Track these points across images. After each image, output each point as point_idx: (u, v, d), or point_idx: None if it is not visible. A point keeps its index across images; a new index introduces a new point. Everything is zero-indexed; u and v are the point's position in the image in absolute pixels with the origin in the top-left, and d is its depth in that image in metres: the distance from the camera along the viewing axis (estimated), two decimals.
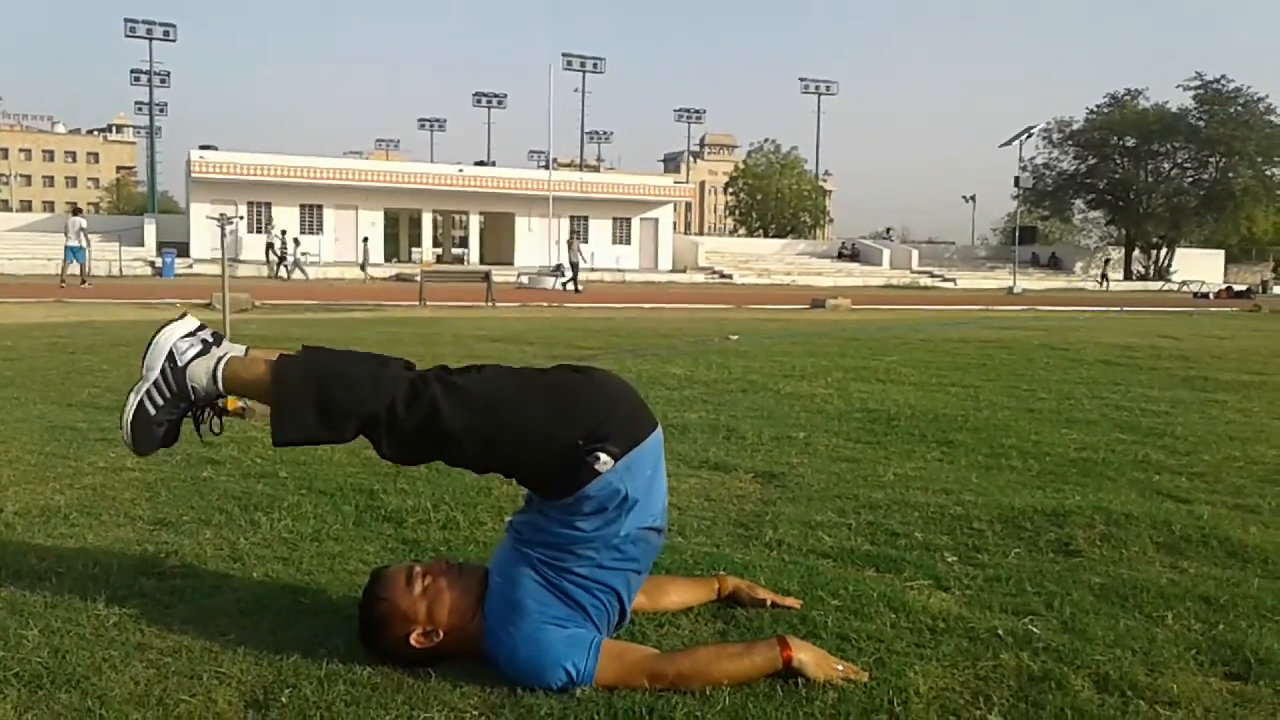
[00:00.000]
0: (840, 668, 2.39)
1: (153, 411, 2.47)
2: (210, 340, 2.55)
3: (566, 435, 2.41)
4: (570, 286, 32.71)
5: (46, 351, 9.81)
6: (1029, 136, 56.61)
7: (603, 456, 2.38)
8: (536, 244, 49.93)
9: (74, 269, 27.66)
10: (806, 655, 2.39)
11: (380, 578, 2.52)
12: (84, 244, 27.59)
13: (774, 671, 2.37)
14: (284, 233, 41.12)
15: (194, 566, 3.20)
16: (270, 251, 39.96)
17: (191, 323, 2.57)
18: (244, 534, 3.56)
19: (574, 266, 33.51)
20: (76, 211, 30.18)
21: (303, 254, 40.68)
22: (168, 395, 2.47)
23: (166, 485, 4.25)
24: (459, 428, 2.41)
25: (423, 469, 4.58)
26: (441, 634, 2.42)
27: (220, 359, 2.51)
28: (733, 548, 3.52)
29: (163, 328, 2.53)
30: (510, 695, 2.29)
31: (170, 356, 2.49)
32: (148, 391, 2.46)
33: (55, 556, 3.23)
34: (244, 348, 2.59)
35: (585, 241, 36.86)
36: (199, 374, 2.49)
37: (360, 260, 42.11)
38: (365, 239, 43.92)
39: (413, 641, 2.41)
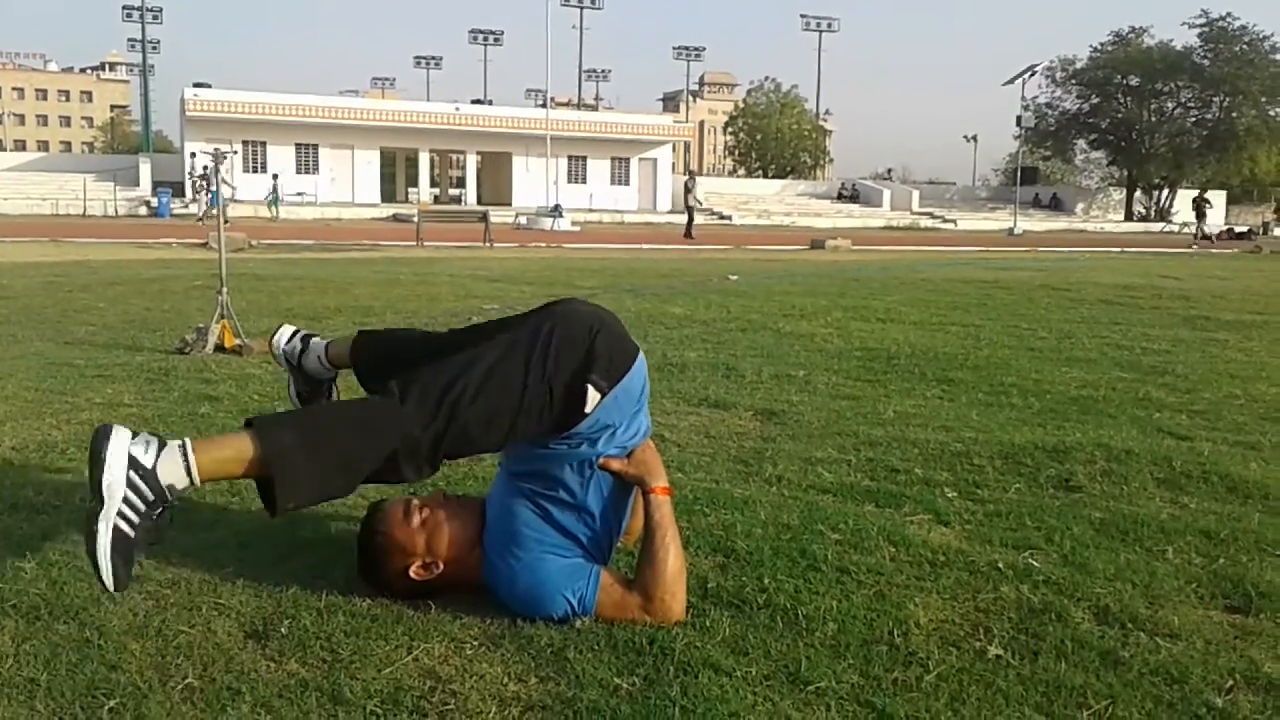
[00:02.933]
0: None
1: (133, 533, 2.09)
2: (156, 439, 2.19)
3: (561, 381, 2.37)
4: (687, 230, 30.36)
5: (43, 290, 9.77)
6: (1032, 75, 55.81)
7: (591, 391, 2.36)
8: (534, 184, 49.52)
9: (212, 209, 29.62)
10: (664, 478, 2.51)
11: (378, 511, 2.50)
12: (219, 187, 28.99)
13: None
14: (205, 168, 40.13)
15: (192, 500, 3.18)
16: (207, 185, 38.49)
17: (126, 431, 2.16)
18: None
19: (690, 210, 31.24)
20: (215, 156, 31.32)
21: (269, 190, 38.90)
22: (145, 505, 2.11)
23: (164, 421, 4.23)
24: (471, 419, 2.31)
25: None
26: (440, 565, 2.41)
27: (185, 451, 2.16)
28: (733, 483, 3.51)
29: (99, 442, 2.11)
30: (510, 626, 2.29)
31: (133, 463, 2.11)
32: (119, 512, 2.07)
33: (52, 490, 3.22)
34: (184, 441, 2.21)
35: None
36: (171, 473, 2.14)
37: (269, 197, 38.32)
38: (275, 175, 41.37)
39: (412, 573, 2.40)
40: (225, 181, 32.62)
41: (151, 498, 2.11)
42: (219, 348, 5.96)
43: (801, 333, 7.41)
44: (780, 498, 3.32)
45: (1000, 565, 2.72)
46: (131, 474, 2.10)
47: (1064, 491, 3.50)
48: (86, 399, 4.63)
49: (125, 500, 2.08)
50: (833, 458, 3.85)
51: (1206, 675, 2.12)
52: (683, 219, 32.68)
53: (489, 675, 2.08)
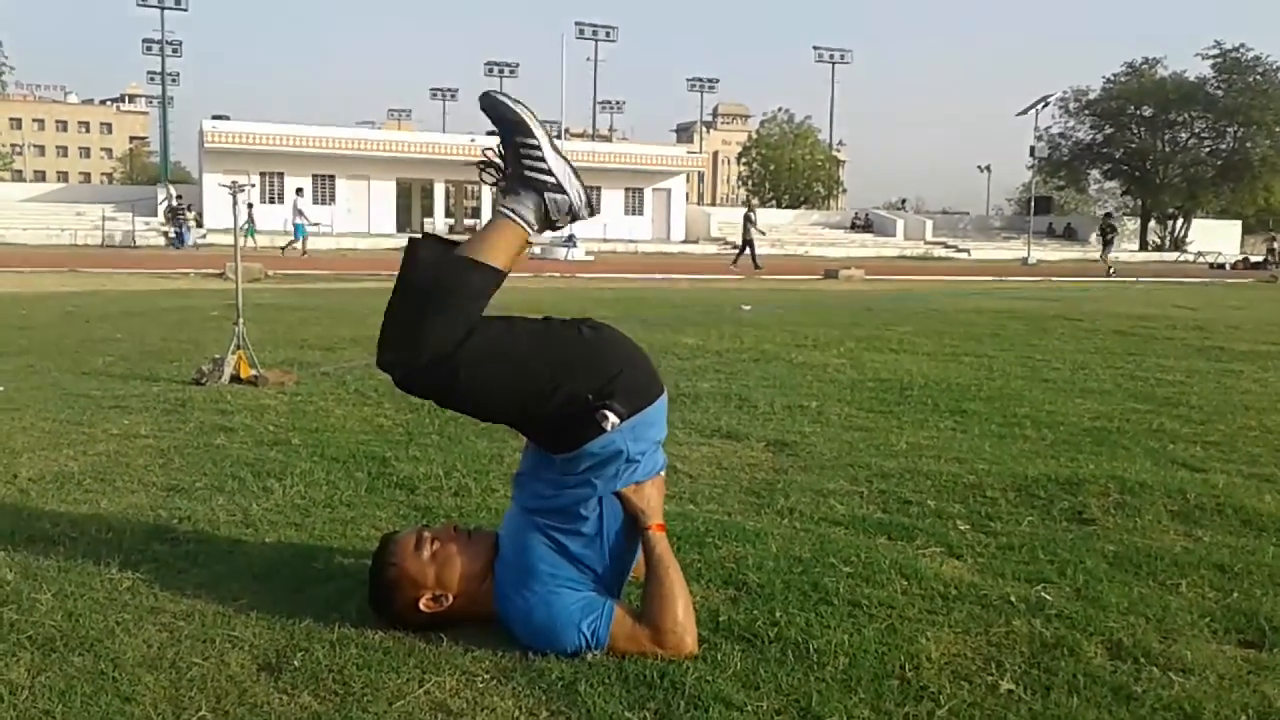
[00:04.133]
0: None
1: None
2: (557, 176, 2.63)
3: (576, 389, 2.40)
4: (752, 261, 29.97)
5: (60, 320, 9.85)
6: (1045, 105, 56.14)
7: (610, 415, 2.37)
8: None
9: (299, 242, 30.88)
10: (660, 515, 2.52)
11: (389, 543, 2.52)
12: (305, 219, 31.15)
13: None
14: (180, 197, 40.12)
15: (207, 532, 3.21)
16: (174, 217, 38.29)
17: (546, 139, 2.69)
18: (256, 500, 3.57)
19: (749, 243, 30.64)
20: (299, 192, 33.29)
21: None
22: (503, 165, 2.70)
23: (180, 452, 4.26)
24: (475, 380, 2.41)
25: (434, 437, 4.60)
26: (450, 598, 2.42)
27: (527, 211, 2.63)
28: (744, 515, 3.51)
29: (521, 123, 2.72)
30: (522, 659, 2.30)
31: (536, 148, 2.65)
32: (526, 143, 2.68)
33: (69, 522, 3.24)
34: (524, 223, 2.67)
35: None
36: (554, 170, 2.61)
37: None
38: (181, 205, 39.78)
39: (421, 606, 2.41)
40: (193, 220, 32.33)
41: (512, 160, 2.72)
42: (235, 378, 6.00)
43: (814, 363, 7.41)
44: (792, 530, 3.32)
45: (1013, 599, 2.72)
46: (520, 144, 2.73)
47: (1077, 524, 3.49)
48: (103, 430, 4.66)
49: (519, 146, 2.71)
50: (845, 490, 3.85)
51: (1220, 711, 2.11)
52: (696, 248, 32.42)
53: (500, 709, 2.09)
